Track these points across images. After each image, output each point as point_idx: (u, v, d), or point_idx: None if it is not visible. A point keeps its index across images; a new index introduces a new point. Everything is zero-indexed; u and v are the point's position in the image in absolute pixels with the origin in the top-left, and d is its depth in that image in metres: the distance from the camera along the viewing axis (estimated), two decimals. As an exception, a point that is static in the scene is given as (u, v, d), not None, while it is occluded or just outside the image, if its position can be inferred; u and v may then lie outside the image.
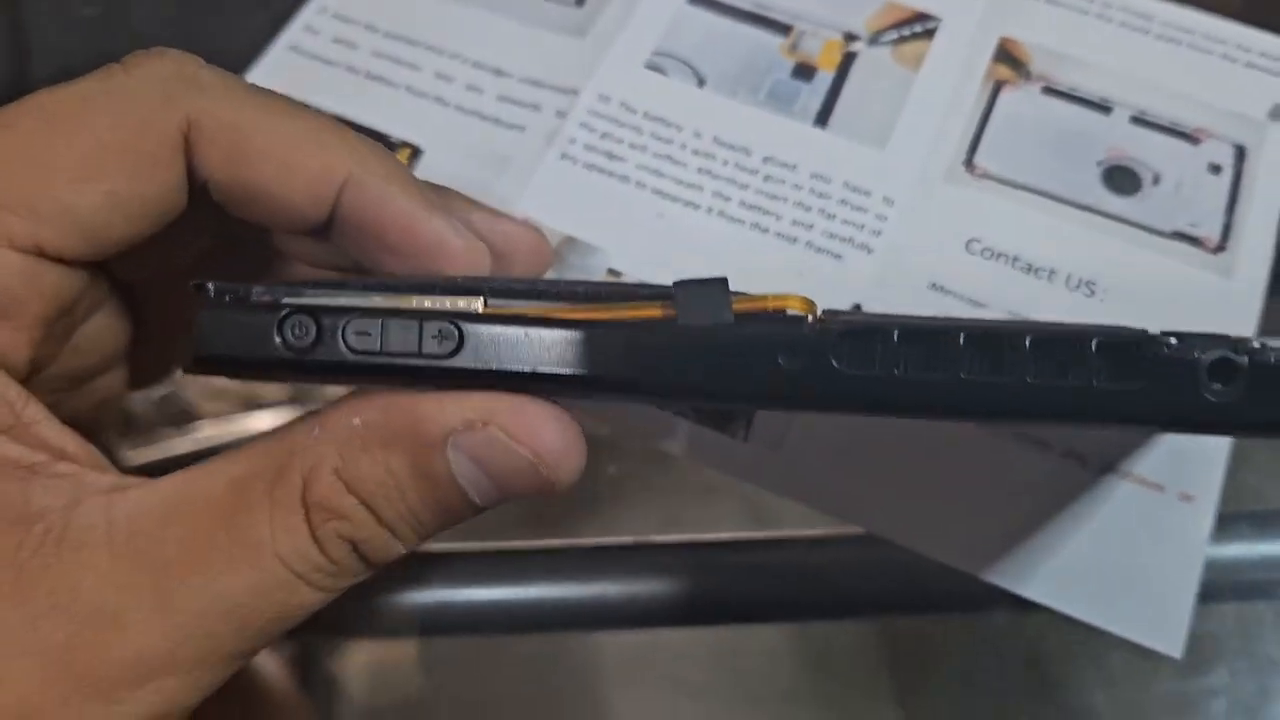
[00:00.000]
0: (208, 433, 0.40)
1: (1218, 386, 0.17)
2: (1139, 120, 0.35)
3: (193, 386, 0.40)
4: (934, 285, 0.32)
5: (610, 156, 0.34)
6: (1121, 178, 0.34)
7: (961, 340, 0.17)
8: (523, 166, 0.34)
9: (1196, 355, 0.17)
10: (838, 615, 0.34)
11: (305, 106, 0.21)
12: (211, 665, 0.18)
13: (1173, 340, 0.17)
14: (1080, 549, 0.29)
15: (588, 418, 0.31)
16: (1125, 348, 0.17)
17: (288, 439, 0.19)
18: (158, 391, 0.38)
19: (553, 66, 0.36)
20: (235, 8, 0.38)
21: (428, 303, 0.18)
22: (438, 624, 0.33)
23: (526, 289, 0.19)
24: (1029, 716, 0.32)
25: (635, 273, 0.32)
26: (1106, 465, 0.29)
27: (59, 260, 0.20)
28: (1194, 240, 0.33)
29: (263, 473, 0.18)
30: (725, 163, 0.34)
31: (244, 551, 0.18)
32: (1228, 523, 0.30)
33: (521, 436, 0.18)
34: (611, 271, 0.32)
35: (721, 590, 0.33)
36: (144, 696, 0.17)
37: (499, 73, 0.36)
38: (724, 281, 0.19)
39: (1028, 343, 0.17)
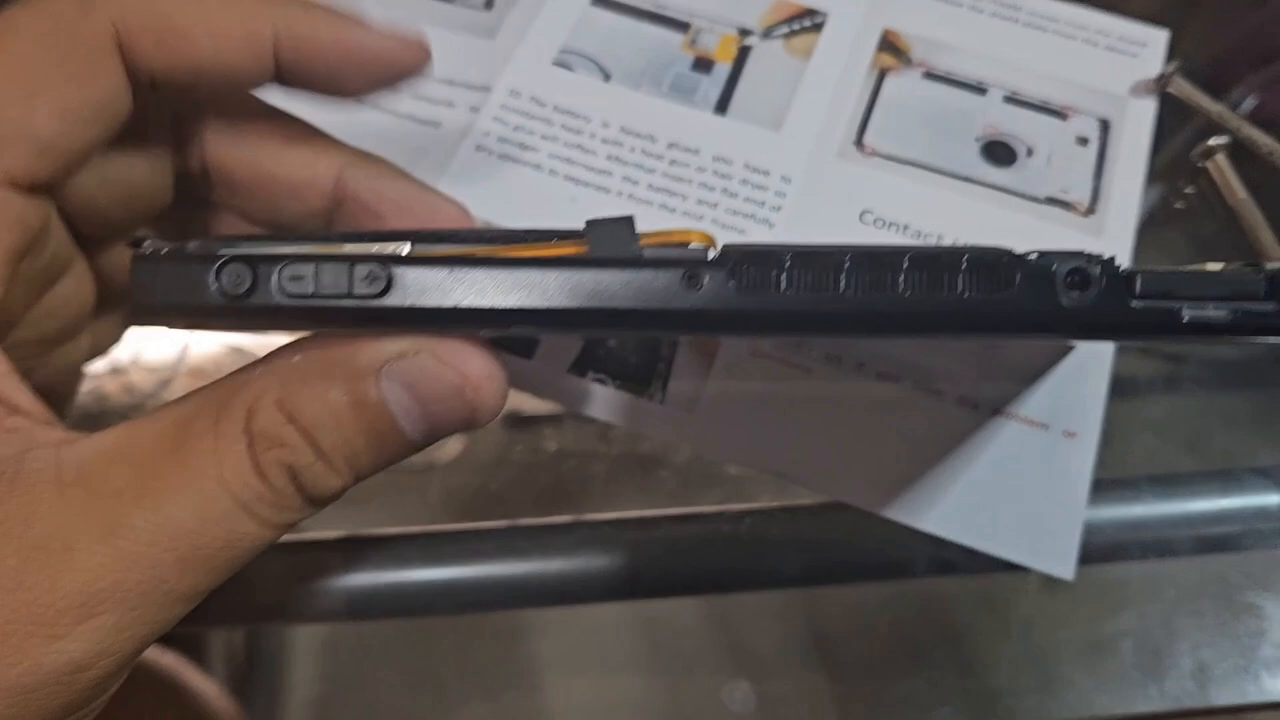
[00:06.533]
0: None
1: (1074, 294, 0.19)
2: (1012, 100, 0.38)
3: (132, 412, 0.40)
4: (832, 254, 0.34)
5: (523, 147, 0.36)
6: (998, 151, 0.36)
7: (847, 261, 0.19)
8: (439, 158, 0.35)
9: (1054, 266, 0.19)
10: (760, 586, 0.36)
11: None
12: (157, 601, 0.18)
13: (1034, 255, 0.19)
14: (975, 485, 0.31)
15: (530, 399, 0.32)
16: (992, 262, 0.19)
17: (233, 379, 0.19)
18: (97, 376, 0.38)
19: (465, 66, 0.37)
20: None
21: (358, 249, 0.20)
22: (371, 606, 0.33)
23: (450, 235, 0.21)
24: (953, 667, 0.34)
25: (551, 253, 0.33)
26: (995, 409, 0.32)
27: (26, 188, 0.20)
28: (1066, 205, 0.35)
29: (207, 409, 0.19)
30: (632, 149, 0.36)
31: (190, 479, 0.18)
32: (1132, 484, 0.33)
33: (449, 359, 0.19)
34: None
35: (646, 565, 0.34)
36: (86, 632, 0.18)
37: (413, 74, 0.37)
38: (630, 219, 0.20)
39: (906, 261, 0.19)
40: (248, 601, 0.33)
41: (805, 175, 0.35)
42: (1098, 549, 0.32)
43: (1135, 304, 0.19)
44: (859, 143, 0.36)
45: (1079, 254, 0.19)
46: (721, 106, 0.37)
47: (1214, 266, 0.20)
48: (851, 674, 0.35)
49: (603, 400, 0.32)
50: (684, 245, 0.20)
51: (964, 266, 0.19)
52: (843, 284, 0.19)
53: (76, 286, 0.25)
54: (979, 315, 0.19)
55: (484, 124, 0.36)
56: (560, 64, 0.37)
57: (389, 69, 0.24)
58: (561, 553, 0.33)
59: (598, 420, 0.32)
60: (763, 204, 0.35)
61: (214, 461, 0.18)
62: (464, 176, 0.35)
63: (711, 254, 0.20)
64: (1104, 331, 0.20)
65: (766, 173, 0.35)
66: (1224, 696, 0.30)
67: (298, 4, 0.23)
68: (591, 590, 0.33)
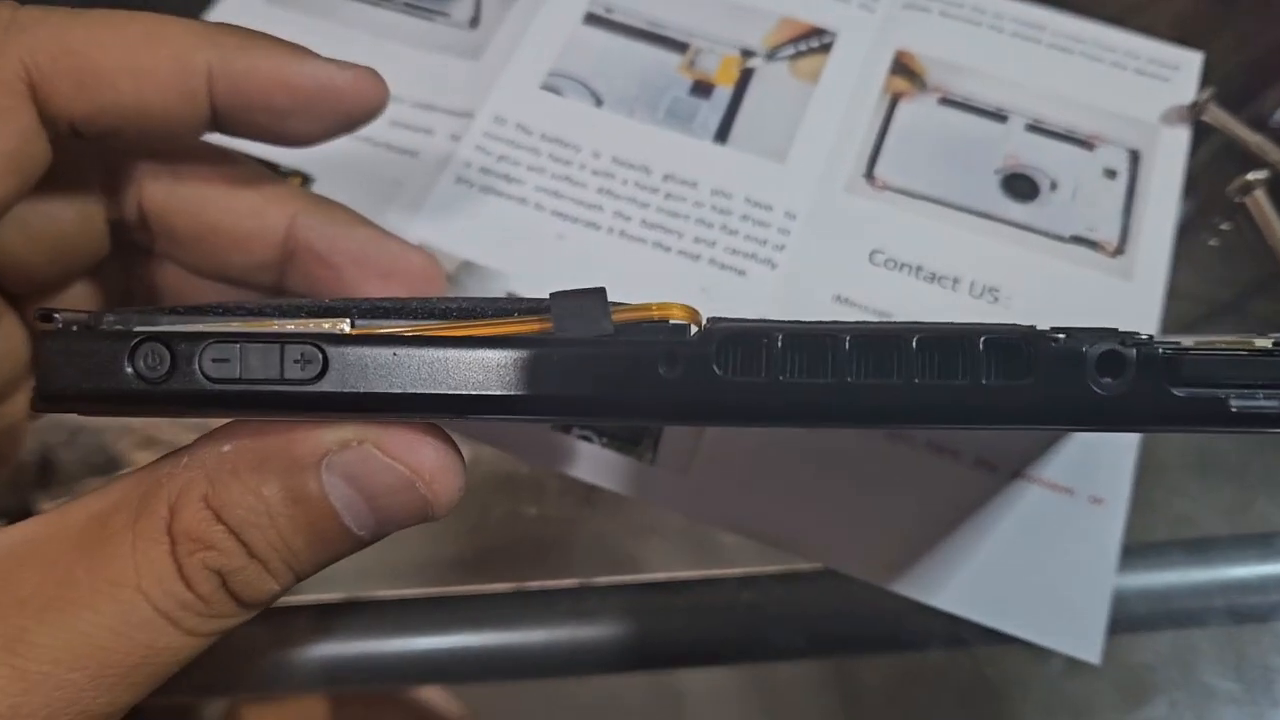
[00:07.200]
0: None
1: (1107, 380, 0.17)
2: (1035, 128, 0.35)
3: (110, 432, 0.38)
4: (839, 298, 0.32)
5: (507, 179, 0.33)
6: (1019, 185, 0.34)
7: (847, 343, 0.17)
8: (417, 192, 0.33)
9: (1084, 349, 0.17)
10: (757, 659, 0.33)
11: (141, 13, 0.21)
12: None
13: (1061, 335, 0.17)
14: (992, 557, 0.28)
15: (507, 455, 0.30)
16: (1014, 344, 0.17)
17: (154, 470, 0.17)
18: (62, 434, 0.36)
19: (446, 89, 0.35)
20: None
21: (290, 326, 0.17)
22: (347, 675, 0.31)
23: (397, 308, 0.18)
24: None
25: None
26: (1015, 471, 0.29)
27: None
28: (1093, 244, 0.33)
29: (126, 505, 0.17)
30: (625, 182, 0.33)
31: (104, 587, 0.16)
32: (1162, 551, 0.30)
33: (397, 453, 0.17)
34: (510, 295, 0.31)
35: (666, 632, 0.31)
36: None
37: (391, 98, 0.35)
38: (601, 292, 0.18)
39: (915, 343, 0.17)
40: (214, 672, 0.30)
41: (811, 211, 0.33)
42: (1124, 620, 0.29)
43: (1177, 392, 0.17)
44: (869, 175, 0.34)
45: (1112, 332, 0.17)
46: (721, 135, 0.34)
47: (1263, 341, 0.18)
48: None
49: (589, 460, 0.30)
50: (664, 321, 0.18)
51: (981, 347, 0.17)
52: (843, 369, 0.17)
53: (5, 345, 0.23)
54: (998, 405, 0.17)
55: (465, 153, 0.33)
56: (549, 88, 0.35)
57: (341, 109, 0.22)
58: (542, 623, 0.31)
59: (583, 481, 0.29)
60: (765, 242, 0.32)
61: (131, 566, 0.16)
62: (442, 211, 0.32)
63: (693, 332, 0.17)
64: (1141, 423, 0.17)
65: (769, 208, 0.33)
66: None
67: (233, 35, 0.21)
68: (576, 663, 0.31)
